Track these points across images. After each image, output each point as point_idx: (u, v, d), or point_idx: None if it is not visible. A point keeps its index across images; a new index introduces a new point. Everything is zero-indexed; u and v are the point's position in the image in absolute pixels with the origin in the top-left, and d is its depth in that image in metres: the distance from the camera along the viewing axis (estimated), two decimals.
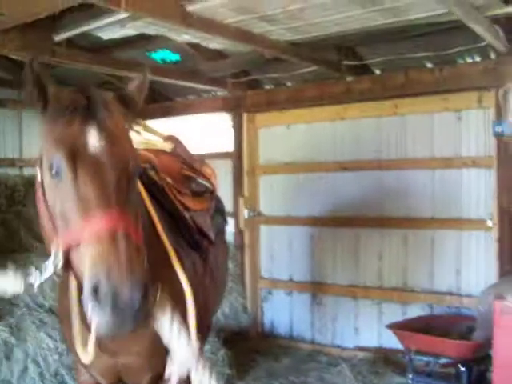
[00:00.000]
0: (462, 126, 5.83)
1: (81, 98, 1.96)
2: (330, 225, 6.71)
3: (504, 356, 4.45)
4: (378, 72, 6.29)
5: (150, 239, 2.29)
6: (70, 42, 5.29)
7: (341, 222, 6.61)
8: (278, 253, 7.15)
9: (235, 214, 7.12)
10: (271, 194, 7.20)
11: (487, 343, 4.76)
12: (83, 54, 5.66)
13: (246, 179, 7.16)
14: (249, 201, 7.14)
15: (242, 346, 6.58)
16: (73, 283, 2.37)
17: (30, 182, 6.94)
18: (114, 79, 6.78)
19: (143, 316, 1.71)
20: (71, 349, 2.80)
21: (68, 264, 1.85)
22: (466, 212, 5.83)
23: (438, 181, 5.99)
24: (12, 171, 7.21)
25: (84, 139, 1.85)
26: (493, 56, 5.50)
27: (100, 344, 2.54)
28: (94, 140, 1.85)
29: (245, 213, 7.08)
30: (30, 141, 7.61)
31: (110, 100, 2.04)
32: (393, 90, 5.98)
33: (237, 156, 7.24)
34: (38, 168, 2.01)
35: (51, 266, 1.83)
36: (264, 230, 7.27)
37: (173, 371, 1.66)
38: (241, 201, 7.07)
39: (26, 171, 7.43)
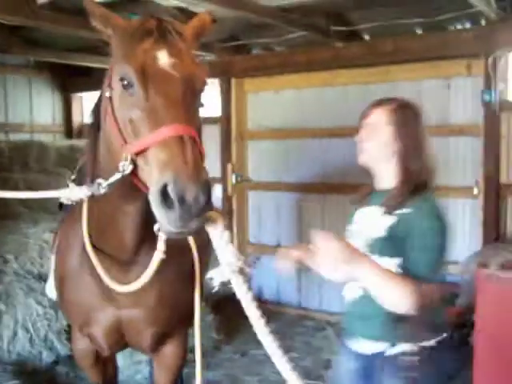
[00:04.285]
0: (450, 94, 5.81)
1: (151, 21, 2.05)
2: (318, 191, 6.72)
3: (485, 322, 4.55)
4: (367, 38, 6.22)
5: None
6: (53, 4, 5.16)
7: (329, 188, 6.62)
8: (266, 218, 7.18)
9: (223, 180, 7.11)
10: (259, 160, 7.18)
11: (470, 309, 4.87)
12: (67, 17, 5.52)
13: (234, 145, 7.13)
14: (237, 166, 7.12)
15: (230, 310, 6.57)
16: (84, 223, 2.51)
17: (16, 148, 6.81)
18: (101, 43, 6.64)
19: (203, 219, 1.78)
20: (71, 308, 2.84)
21: (133, 172, 1.97)
22: (453, 179, 5.83)
23: None
24: None
25: (155, 54, 1.96)
26: (483, 23, 5.43)
27: (106, 294, 2.61)
28: (164, 55, 1.96)
29: (233, 178, 7.07)
30: (15, 105, 7.49)
31: (179, 24, 2.14)
32: (382, 57, 5.91)
33: (225, 121, 7.19)
34: (106, 85, 2.12)
35: (120, 172, 1.95)
36: (252, 195, 7.28)
37: (215, 274, 1.80)
38: (229, 166, 7.05)
39: (13, 136, 7.33)
